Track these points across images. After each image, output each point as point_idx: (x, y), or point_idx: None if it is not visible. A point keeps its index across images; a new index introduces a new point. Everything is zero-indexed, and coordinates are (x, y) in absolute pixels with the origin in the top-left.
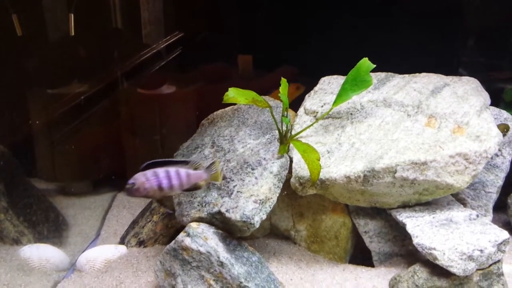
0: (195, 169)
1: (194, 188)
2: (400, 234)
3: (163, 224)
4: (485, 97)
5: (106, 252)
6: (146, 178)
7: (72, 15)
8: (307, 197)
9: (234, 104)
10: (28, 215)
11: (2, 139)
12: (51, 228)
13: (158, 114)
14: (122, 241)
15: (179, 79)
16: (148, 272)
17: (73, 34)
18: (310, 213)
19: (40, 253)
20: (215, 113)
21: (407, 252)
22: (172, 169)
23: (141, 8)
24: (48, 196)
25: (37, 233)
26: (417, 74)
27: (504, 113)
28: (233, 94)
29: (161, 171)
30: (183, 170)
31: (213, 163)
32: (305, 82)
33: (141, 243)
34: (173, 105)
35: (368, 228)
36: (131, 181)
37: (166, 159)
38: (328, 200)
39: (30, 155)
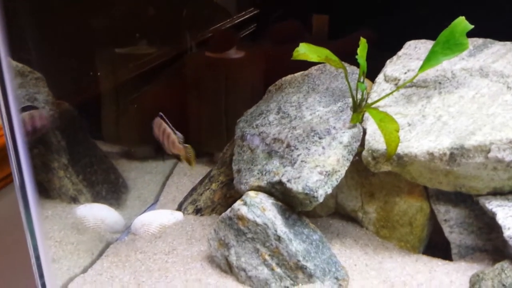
0: (179, 143)
1: (177, 158)
2: (486, 226)
3: (221, 193)
4: None
5: (161, 217)
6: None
7: None
8: (379, 176)
9: (304, 69)
10: (88, 174)
11: (69, 98)
12: (110, 189)
13: (224, 78)
14: (179, 208)
15: (248, 45)
16: (202, 241)
17: None
18: (382, 194)
19: (96, 213)
20: (283, 78)
21: (492, 248)
22: (169, 130)
23: None
24: (111, 159)
25: (95, 193)
26: None
27: None
28: (304, 50)
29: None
30: (173, 136)
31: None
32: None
33: (198, 211)
34: (240, 70)
35: (449, 216)
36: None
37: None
38: (405, 181)
39: (97, 116)
